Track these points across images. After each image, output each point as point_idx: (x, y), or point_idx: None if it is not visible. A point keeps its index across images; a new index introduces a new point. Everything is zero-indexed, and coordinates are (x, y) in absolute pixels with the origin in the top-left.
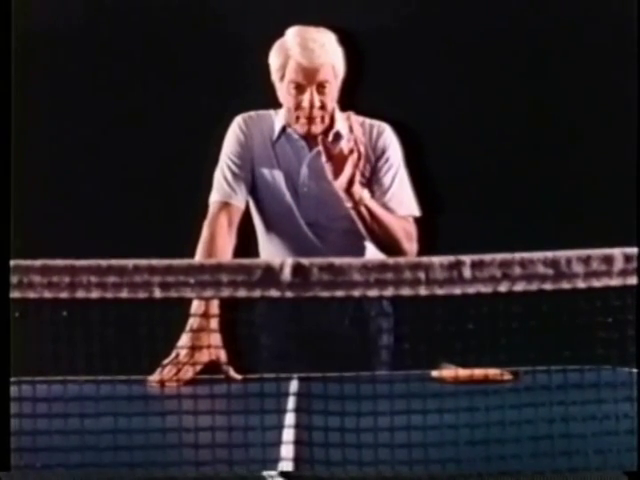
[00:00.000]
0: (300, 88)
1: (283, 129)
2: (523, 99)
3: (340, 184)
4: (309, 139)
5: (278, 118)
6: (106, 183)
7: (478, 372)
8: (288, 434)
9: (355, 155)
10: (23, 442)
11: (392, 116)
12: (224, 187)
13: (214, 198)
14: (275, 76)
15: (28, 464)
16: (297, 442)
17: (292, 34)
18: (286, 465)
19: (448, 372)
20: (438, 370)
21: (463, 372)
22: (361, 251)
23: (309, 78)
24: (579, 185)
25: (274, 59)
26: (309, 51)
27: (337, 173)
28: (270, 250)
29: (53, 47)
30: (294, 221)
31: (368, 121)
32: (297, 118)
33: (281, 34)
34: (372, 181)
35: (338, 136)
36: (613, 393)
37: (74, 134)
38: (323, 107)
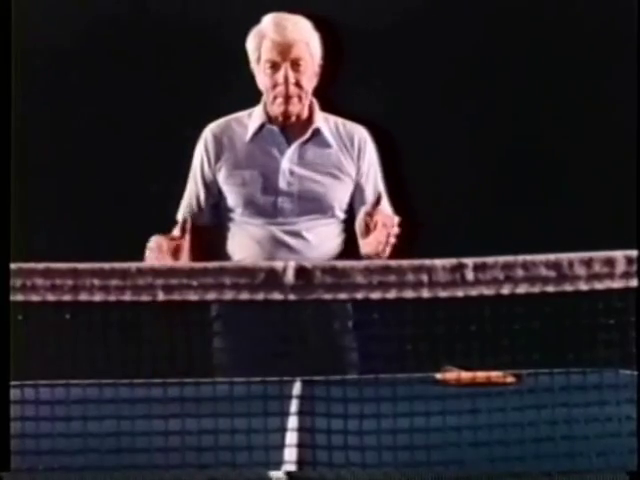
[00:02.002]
0: (275, 66)
1: (261, 127)
2: (525, 102)
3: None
4: (288, 134)
5: (253, 118)
6: (109, 186)
7: (481, 374)
8: (291, 437)
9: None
10: (26, 445)
11: (394, 117)
12: (187, 206)
13: (179, 215)
14: (252, 59)
15: (31, 466)
16: (300, 445)
17: (266, 17)
18: (289, 468)
19: (451, 374)
20: (441, 372)
21: (466, 374)
22: (337, 245)
23: (283, 54)
24: (581, 188)
25: (250, 43)
26: (281, 27)
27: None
28: (240, 252)
29: (53, 52)
30: (268, 221)
31: (348, 124)
32: (274, 98)
33: None
34: (360, 186)
35: (318, 132)
36: (615, 395)
37: (76, 137)
38: (299, 85)
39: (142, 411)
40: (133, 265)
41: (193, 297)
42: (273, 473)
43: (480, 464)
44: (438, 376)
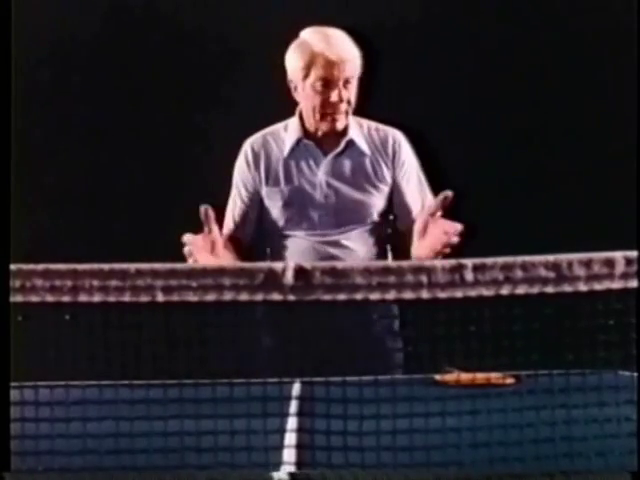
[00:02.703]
0: (328, 84)
1: (297, 141)
2: (525, 103)
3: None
4: (323, 146)
5: (289, 133)
6: (109, 187)
7: (480, 375)
8: (291, 438)
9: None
10: (25, 446)
11: (393, 117)
12: (230, 221)
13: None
14: (297, 76)
15: (30, 467)
16: (300, 445)
17: (312, 32)
18: (289, 468)
19: (450, 375)
20: (440, 373)
21: (465, 375)
22: (379, 247)
23: (338, 72)
24: (580, 188)
25: (296, 59)
26: (335, 46)
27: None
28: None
29: (53, 52)
30: (310, 234)
31: (382, 128)
32: (323, 116)
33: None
34: (398, 188)
35: (351, 143)
36: (615, 396)
37: (76, 137)
38: (349, 102)
39: (141, 412)
40: (132, 266)
41: (192, 298)
42: (275, 474)
43: (479, 465)
44: (437, 377)
